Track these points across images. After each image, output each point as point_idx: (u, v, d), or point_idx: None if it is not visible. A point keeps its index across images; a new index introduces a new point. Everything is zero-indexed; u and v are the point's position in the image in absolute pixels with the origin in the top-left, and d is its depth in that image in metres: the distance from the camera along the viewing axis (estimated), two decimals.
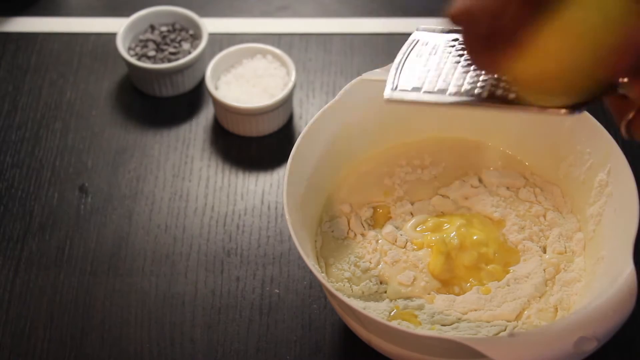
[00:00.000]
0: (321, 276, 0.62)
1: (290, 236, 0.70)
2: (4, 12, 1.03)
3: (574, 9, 0.47)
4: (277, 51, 0.92)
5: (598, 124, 0.70)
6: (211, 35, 0.97)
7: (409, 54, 0.59)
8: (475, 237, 0.71)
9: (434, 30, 0.60)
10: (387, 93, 0.57)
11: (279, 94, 0.89)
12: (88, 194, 0.87)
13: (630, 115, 0.51)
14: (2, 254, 0.82)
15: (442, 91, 0.55)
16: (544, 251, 0.73)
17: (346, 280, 0.71)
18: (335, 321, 0.77)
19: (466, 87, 0.55)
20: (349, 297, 0.69)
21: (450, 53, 0.58)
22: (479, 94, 0.54)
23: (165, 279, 0.80)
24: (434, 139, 0.79)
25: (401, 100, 0.57)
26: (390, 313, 0.69)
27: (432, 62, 0.58)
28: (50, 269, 0.81)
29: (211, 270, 0.81)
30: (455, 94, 0.55)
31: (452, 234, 0.72)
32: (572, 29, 0.47)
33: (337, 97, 0.72)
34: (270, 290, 0.80)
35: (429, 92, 0.56)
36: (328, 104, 0.72)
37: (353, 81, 0.72)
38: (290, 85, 0.89)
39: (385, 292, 0.70)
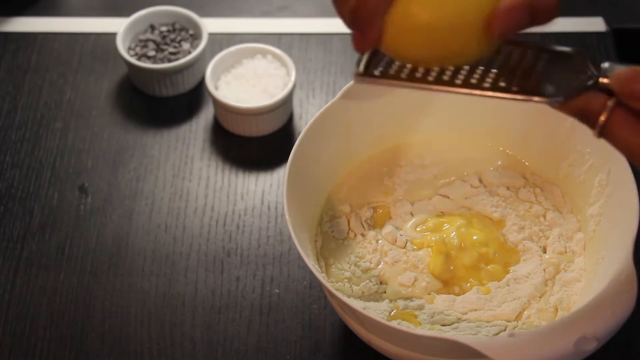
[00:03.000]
0: (321, 276, 0.62)
1: (290, 236, 0.70)
2: (4, 12, 1.03)
3: None
4: (277, 51, 0.92)
5: None
6: (211, 35, 0.97)
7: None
8: (475, 237, 0.71)
9: None
10: (357, 73, 0.55)
11: (279, 94, 0.88)
12: (88, 194, 0.87)
13: (603, 117, 0.51)
14: (2, 254, 0.82)
15: (415, 74, 0.54)
16: (544, 251, 0.73)
17: (346, 280, 0.71)
18: (335, 321, 0.77)
19: (441, 73, 0.53)
20: (349, 297, 0.69)
21: None
22: (453, 80, 0.53)
23: (165, 279, 0.80)
24: (433, 139, 0.79)
25: (372, 77, 0.54)
26: (390, 313, 0.69)
27: None
28: (50, 269, 0.81)
29: (211, 270, 0.81)
30: (431, 78, 0.53)
31: (452, 234, 0.72)
32: None
33: (337, 97, 0.72)
34: (270, 290, 0.80)
35: (400, 74, 0.54)
36: (328, 104, 0.72)
37: (353, 81, 0.72)
38: (290, 85, 0.89)
39: (385, 292, 0.70)
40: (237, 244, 0.83)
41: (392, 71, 0.54)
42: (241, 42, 0.96)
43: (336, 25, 1.02)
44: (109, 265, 0.81)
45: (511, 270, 0.71)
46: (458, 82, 0.53)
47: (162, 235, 0.84)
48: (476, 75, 0.53)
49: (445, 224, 0.73)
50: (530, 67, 0.53)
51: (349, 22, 0.54)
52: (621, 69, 0.50)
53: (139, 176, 0.88)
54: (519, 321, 0.68)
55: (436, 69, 0.53)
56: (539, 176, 0.77)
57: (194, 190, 0.87)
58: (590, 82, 0.51)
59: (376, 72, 0.55)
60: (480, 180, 0.78)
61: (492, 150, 0.79)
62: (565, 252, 0.72)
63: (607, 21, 1.01)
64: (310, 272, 0.71)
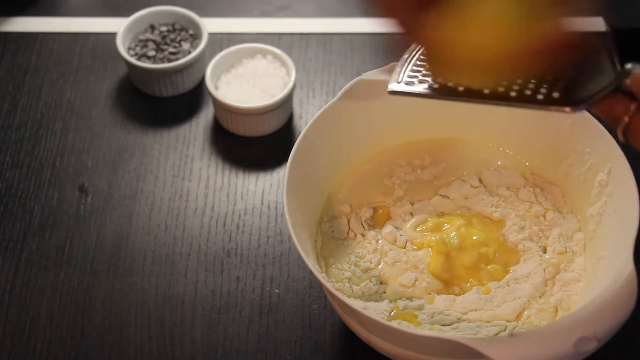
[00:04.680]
0: (321, 276, 0.62)
1: (290, 236, 0.70)
2: (4, 12, 1.03)
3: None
4: (277, 51, 0.92)
5: (598, 124, 0.70)
6: (211, 35, 0.97)
7: (417, 52, 0.60)
8: (475, 237, 0.71)
9: None
10: (392, 85, 0.58)
11: (279, 94, 0.89)
12: (88, 194, 0.87)
13: (626, 119, 0.51)
14: (2, 254, 0.82)
15: (445, 86, 0.56)
16: (544, 251, 0.73)
17: (346, 280, 0.71)
18: (335, 321, 0.77)
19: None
20: (349, 297, 0.69)
21: None
22: (481, 91, 0.54)
23: (165, 279, 0.80)
24: (434, 139, 0.79)
25: (404, 92, 0.57)
26: (390, 313, 0.69)
27: None
28: (50, 269, 0.81)
29: (211, 270, 0.81)
30: (458, 89, 0.55)
31: (452, 234, 0.72)
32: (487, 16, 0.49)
33: (337, 97, 0.72)
34: (270, 290, 0.80)
35: (432, 87, 0.56)
36: (328, 104, 0.72)
37: (353, 81, 0.72)
38: (290, 85, 0.89)
39: (385, 292, 0.70)
40: (237, 244, 0.83)
41: (424, 84, 0.56)
42: (241, 42, 0.96)
43: (336, 25, 1.02)
44: (109, 265, 0.81)
45: (511, 270, 0.71)
46: (486, 92, 0.53)
47: (162, 235, 0.84)
48: (505, 87, 0.54)
49: (445, 224, 0.73)
50: (555, 71, 0.53)
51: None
52: (637, 72, 0.50)
53: (139, 176, 0.88)
54: (519, 321, 0.68)
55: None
56: (539, 176, 0.77)
57: (194, 190, 0.87)
58: (613, 86, 0.51)
59: (410, 87, 0.57)
60: (480, 180, 0.78)
61: (492, 150, 0.79)
62: (565, 252, 0.72)
63: (607, 21, 1.01)
64: (310, 272, 0.71)
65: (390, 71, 0.71)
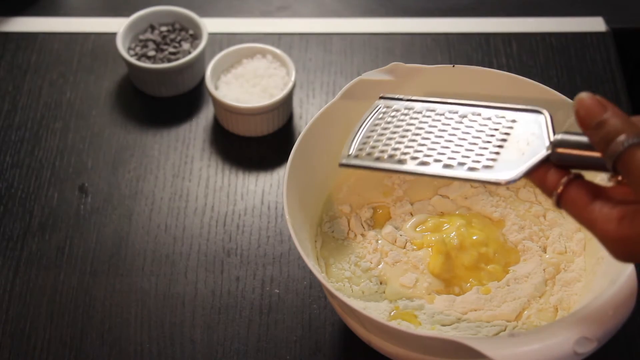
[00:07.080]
0: (321, 276, 0.62)
1: (290, 236, 0.70)
2: (4, 12, 1.03)
3: None
4: (277, 51, 0.92)
5: None
6: (211, 35, 0.97)
7: (369, 121, 0.63)
8: (475, 237, 0.71)
9: (395, 98, 0.64)
10: (343, 159, 0.62)
11: (279, 94, 0.89)
12: (88, 194, 0.87)
13: (559, 190, 0.51)
14: (2, 254, 0.82)
15: (393, 158, 0.59)
16: (544, 251, 0.73)
17: (346, 280, 0.71)
18: (335, 321, 0.77)
19: (414, 155, 0.59)
20: (349, 297, 0.69)
21: (404, 120, 0.62)
22: (426, 163, 0.58)
23: (165, 279, 0.80)
24: None
25: (354, 165, 0.61)
26: (390, 313, 0.69)
27: (388, 128, 0.62)
28: (50, 269, 0.81)
29: (211, 270, 0.81)
30: (405, 161, 0.59)
31: (452, 234, 0.72)
32: None
33: (337, 97, 0.72)
34: (270, 290, 0.80)
35: (380, 159, 0.60)
36: (328, 104, 0.72)
37: (353, 81, 0.72)
38: (290, 85, 0.89)
39: (385, 292, 0.70)
40: (237, 244, 0.83)
41: (372, 156, 0.61)
42: (241, 42, 0.96)
43: (336, 25, 1.02)
44: (109, 265, 0.81)
45: (511, 270, 0.71)
46: (428, 170, 0.58)
47: (162, 235, 0.84)
48: (445, 158, 0.58)
49: (445, 224, 0.73)
50: (489, 141, 0.57)
51: None
52: (583, 96, 0.51)
53: (139, 176, 0.88)
54: (519, 321, 0.68)
55: (410, 156, 0.59)
56: None
57: (194, 190, 0.87)
58: (543, 158, 0.54)
59: (360, 161, 0.61)
60: None
61: None
62: (565, 252, 0.72)
63: (607, 21, 1.01)
64: (310, 272, 0.71)
65: (390, 71, 0.72)
